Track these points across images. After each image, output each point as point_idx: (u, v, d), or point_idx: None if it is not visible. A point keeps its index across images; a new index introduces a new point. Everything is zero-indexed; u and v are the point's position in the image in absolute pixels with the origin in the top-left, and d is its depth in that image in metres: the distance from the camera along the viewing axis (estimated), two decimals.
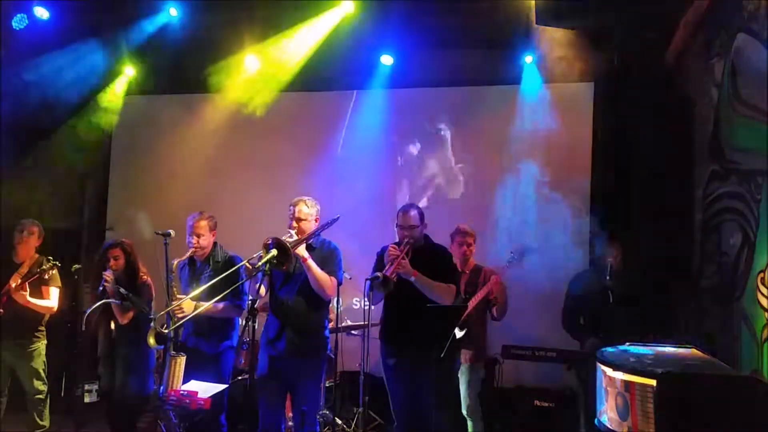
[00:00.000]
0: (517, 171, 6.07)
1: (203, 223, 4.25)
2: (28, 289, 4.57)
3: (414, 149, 6.38)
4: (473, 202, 6.17)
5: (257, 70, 6.31)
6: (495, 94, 6.21)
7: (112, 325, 4.46)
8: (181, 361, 3.81)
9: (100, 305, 4.32)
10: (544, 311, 5.19)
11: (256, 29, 6.02)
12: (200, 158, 6.60)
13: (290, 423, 4.45)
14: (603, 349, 2.93)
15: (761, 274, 3.25)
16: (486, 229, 6.04)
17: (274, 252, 3.54)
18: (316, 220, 4.00)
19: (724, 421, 2.37)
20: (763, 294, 3.22)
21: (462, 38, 5.83)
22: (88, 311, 4.36)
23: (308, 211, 3.96)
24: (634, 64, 5.56)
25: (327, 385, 5.01)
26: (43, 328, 4.79)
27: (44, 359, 4.78)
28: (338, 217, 3.93)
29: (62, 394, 5.55)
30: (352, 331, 5.31)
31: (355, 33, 5.84)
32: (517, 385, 5.24)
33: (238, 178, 6.50)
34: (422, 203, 6.03)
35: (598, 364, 2.77)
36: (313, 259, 3.83)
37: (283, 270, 3.73)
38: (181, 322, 3.91)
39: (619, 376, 2.57)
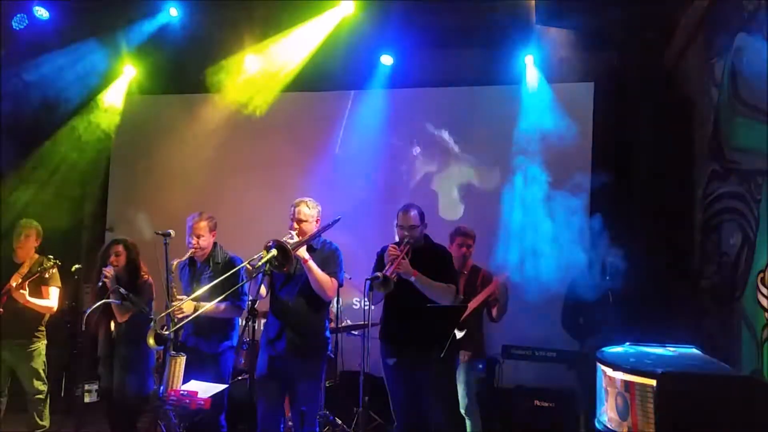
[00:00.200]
0: (516, 171, 6.07)
1: (203, 224, 4.25)
2: (27, 289, 4.57)
3: (413, 149, 6.38)
4: (473, 202, 6.17)
5: (257, 70, 6.31)
6: (495, 94, 6.21)
7: (112, 325, 4.45)
8: (181, 361, 3.81)
9: (100, 305, 4.32)
10: (544, 311, 5.18)
11: (256, 29, 6.02)
12: (200, 158, 6.61)
13: (290, 423, 4.45)
14: (603, 349, 2.93)
15: (761, 274, 3.25)
16: (486, 229, 6.04)
17: (274, 252, 3.54)
18: (317, 222, 4.00)
19: (724, 421, 2.37)
20: (763, 294, 3.22)
21: (462, 38, 5.83)
22: (88, 311, 4.36)
23: (309, 212, 3.96)
24: (634, 64, 5.56)
25: (327, 385, 5.01)
26: (43, 328, 4.79)
27: (44, 359, 4.78)
28: (339, 219, 3.93)
29: (62, 394, 5.55)
30: (352, 331, 5.31)
31: (355, 33, 5.84)
32: (517, 385, 5.23)
33: (238, 178, 6.50)
34: (422, 203, 6.02)
35: (598, 364, 2.77)
36: (313, 260, 3.83)
37: (284, 271, 3.73)
38: (181, 323, 3.91)
39: (619, 376, 2.57)
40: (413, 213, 4.01)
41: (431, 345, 3.81)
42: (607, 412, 2.67)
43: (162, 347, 4.04)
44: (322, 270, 3.85)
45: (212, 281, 3.96)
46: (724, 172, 4.02)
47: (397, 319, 3.97)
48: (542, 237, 5.48)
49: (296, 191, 4.60)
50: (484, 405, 4.85)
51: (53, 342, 4.88)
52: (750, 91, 3.54)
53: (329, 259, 3.95)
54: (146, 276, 4.52)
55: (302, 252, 3.77)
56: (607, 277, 4.45)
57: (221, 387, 3.89)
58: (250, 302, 3.69)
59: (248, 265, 3.70)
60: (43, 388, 4.75)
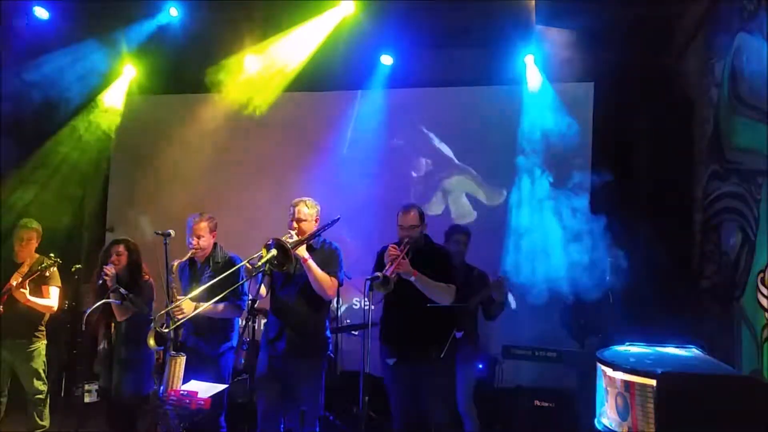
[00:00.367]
0: (516, 171, 6.07)
1: (203, 224, 4.26)
2: (28, 288, 4.57)
3: (413, 149, 6.38)
4: (473, 202, 6.17)
5: (257, 70, 6.30)
6: (495, 94, 6.21)
7: (112, 326, 4.46)
8: (181, 361, 3.81)
9: (99, 305, 4.33)
10: (544, 311, 5.18)
11: (256, 29, 6.02)
12: (200, 158, 6.61)
13: (290, 423, 4.45)
14: (603, 349, 2.93)
15: (761, 274, 3.25)
16: (486, 229, 6.04)
17: (273, 252, 3.54)
18: (316, 221, 4.00)
19: (724, 421, 2.37)
20: (763, 294, 3.22)
21: (462, 38, 5.83)
22: (88, 311, 4.37)
23: (308, 211, 3.96)
24: (634, 64, 5.56)
25: (327, 385, 5.01)
26: (43, 328, 4.79)
27: (44, 359, 4.77)
28: (338, 218, 3.93)
29: (62, 394, 5.55)
30: (352, 331, 5.31)
31: (355, 33, 5.84)
32: (517, 385, 5.23)
33: (238, 178, 6.50)
34: (421, 203, 6.03)
35: (598, 364, 2.77)
36: (313, 259, 3.83)
37: (284, 271, 3.73)
38: (180, 322, 3.91)
39: (619, 376, 2.57)
40: (413, 213, 4.01)
41: (431, 345, 3.81)
42: (607, 412, 2.67)
43: (162, 348, 4.04)
44: (323, 269, 3.85)
45: (212, 281, 3.96)
46: (724, 172, 4.02)
47: (397, 319, 3.98)
48: (542, 237, 5.48)
49: (296, 191, 4.59)
50: (484, 405, 4.85)
51: (53, 342, 4.88)
52: (750, 91, 3.54)
53: (329, 259, 3.95)
54: (147, 276, 4.52)
55: (302, 251, 3.77)
56: (607, 277, 4.45)
57: (221, 387, 3.89)
58: (250, 302, 3.69)
59: (248, 264, 3.70)
60: (43, 388, 4.75)
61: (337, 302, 4.24)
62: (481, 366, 5.21)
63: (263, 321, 4.37)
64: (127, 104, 6.69)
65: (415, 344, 3.81)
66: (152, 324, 3.97)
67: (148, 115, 6.77)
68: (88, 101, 6.49)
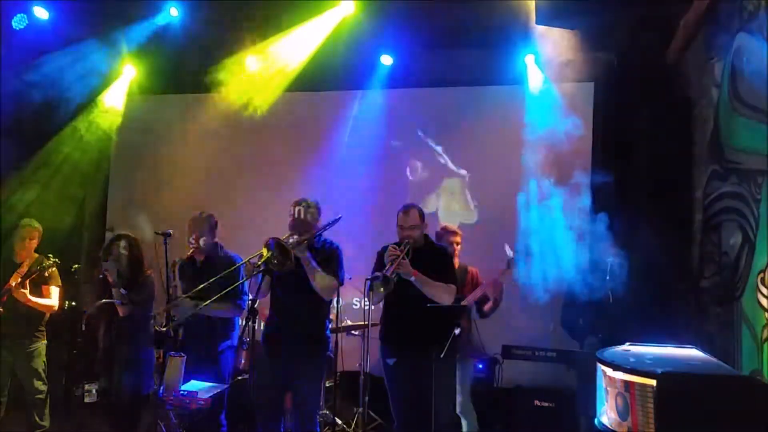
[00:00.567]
0: (517, 171, 6.06)
1: (204, 224, 4.27)
2: (28, 288, 4.57)
3: (413, 149, 6.38)
4: (473, 202, 6.17)
5: (257, 70, 6.30)
6: (495, 94, 6.21)
7: (113, 325, 4.46)
8: (181, 361, 3.81)
9: (99, 305, 4.34)
10: (545, 311, 5.18)
11: (256, 29, 6.02)
12: (200, 158, 6.61)
13: (290, 423, 4.45)
14: (603, 349, 2.93)
15: (761, 274, 3.25)
16: (486, 228, 6.04)
17: (273, 252, 3.54)
18: (316, 221, 4.00)
19: (724, 421, 2.37)
20: (763, 294, 3.22)
21: (462, 38, 5.82)
22: (88, 311, 4.37)
23: (309, 211, 3.96)
24: (634, 64, 5.56)
25: (327, 385, 5.01)
26: (43, 328, 4.79)
27: (44, 359, 4.78)
28: (339, 218, 3.93)
29: (62, 394, 5.54)
30: (352, 331, 5.31)
31: (355, 33, 5.84)
32: (517, 385, 5.23)
33: (238, 178, 6.50)
34: (421, 203, 6.03)
35: (598, 364, 2.77)
36: (314, 259, 3.83)
37: (284, 270, 3.73)
38: (180, 321, 3.92)
39: (619, 376, 2.57)
40: (413, 213, 4.02)
41: (431, 345, 3.81)
42: (607, 412, 2.67)
43: (162, 347, 4.05)
44: (323, 269, 3.85)
45: (212, 280, 3.96)
46: (724, 172, 4.02)
47: (397, 319, 3.98)
48: (542, 237, 5.48)
49: (296, 191, 4.60)
50: (484, 405, 4.85)
51: (53, 342, 4.88)
52: (750, 91, 3.54)
53: (330, 259, 3.95)
54: (149, 271, 4.52)
55: (302, 251, 3.77)
56: (607, 277, 4.45)
57: (221, 387, 3.90)
58: (250, 302, 3.69)
59: (248, 263, 3.70)
60: (43, 388, 4.75)
61: (337, 302, 4.24)
62: (480, 366, 5.21)
63: (263, 321, 4.37)
64: (128, 104, 6.69)
65: (415, 344, 3.82)
66: (152, 323, 3.98)
67: (148, 115, 6.77)
68: (88, 101, 6.49)
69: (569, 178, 5.67)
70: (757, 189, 3.41)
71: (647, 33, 5.27)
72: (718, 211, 4.12)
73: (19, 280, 4.58)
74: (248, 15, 5.88)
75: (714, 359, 2.89)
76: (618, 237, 4.64)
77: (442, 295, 3.90)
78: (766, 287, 3.19)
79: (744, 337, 3.52)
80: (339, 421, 4.99)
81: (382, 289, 3.72)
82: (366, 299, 3.93)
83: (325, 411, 4.89)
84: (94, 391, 5.11)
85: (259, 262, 3.55)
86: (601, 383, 2.74)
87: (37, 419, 4.71)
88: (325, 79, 6.35)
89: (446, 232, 4.83)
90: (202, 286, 3.92)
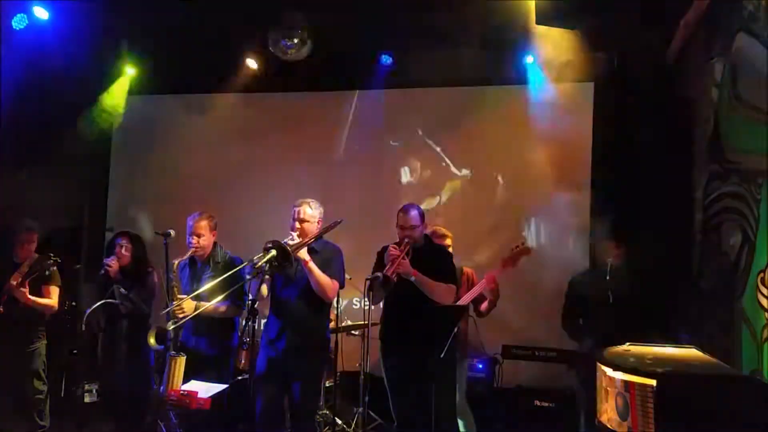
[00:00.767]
0: (517, 171, 6.07)
1: (203, 223, 4.26)
2: (28, 287, 4.58)
3: (413, 149, 6.38)
4: (473, 202, 6.17)
5: (257, 71, 6.30)
6: (495, 94, 6.22)
7: (113, 323, 4.47)
8: (181, 361, 3.81)
9: (99, 305, 4.35)
10: (544, 311, 5.19)
11: (256, 29, 6.01)
12: (200, 158, 6.62)
13: (289, 423, 4.45)
14: (603, 349, 2.93)
15: (761, 274, 3.25)
16: (486, 229, 6.04)
17: (273, 253, 3.54)
18: (319, 223, 4.00)
19: (724, 421, 2.37)
20: (763, 294, 3.22)
21: (462, 38, 5.82)
22: (88, 311, 4.38)
23: (311, 213, 3.96)
24: (634, 64, 5.56)
25: (327, 385, 5.01)
26: (43, 328, 4.79)
27: (44, 359, 4.78)
28: (341, 220, 3.92)
29: (62, 394, 5.55)
30: (352, 331, 5.31)
31: (355, 33, 5.83)
32: (517, 385, 5.24)
33: (238, 179, 6.50)
34: (422, 204, 6.03)
35: (598, 364, 2.77)
36: (315, 261, 3.82)
37: (284, 272, 3.73)
38: (181, 322, 3.92)
39: (619, 376, 2.57)
40: (413, 213, 4.02)
41: (431, 345, 3.81)
42: (607, 412, 2.67)
43: (162, 346, 4.05)
44: (323, 271, 3.85)
45: (213, 281, 3.96)
46: (724, 172, 4.01)
47: (397, 319, 3.98)
48: (542, 236, 5.49)
49: (296, 191, 4.60)
50: (484, 405, 4.85)
51: (53, 342, 4.88)
52: (750, 91, 3.54)
53: (330, 261, 3.95)
54: (151, 269, 4.52)
55: (303, 253, 3.77)
56: (607, 277, 4.45)
57: (221, 387, 3.89)
58: (250, 302, 3.69)
59: (254, 265, 3.69)
60: (43, 388, 4.75)
61: (337, 302, 4.24)
62: (480, 366, 5.21)
63: (263, 321, 4.37)
64: (127, 104, 6.69)
65: (415, 344, 3.81)
66: (151, 322, 3.99)
67: (148, 115, 6.77)
68: (88, 101, 6.48)
69: (569, 177, 5.68)
70: (757, 189, 3.40)
71: (647, 33, 5.27)
72: (718, 211, 4.12)
73: (20, 279, 4.58)
74: (248, 15, 5.87)
75: (714, 359, 2.89)
76: (617, 237, 4.65)
77: (442, 295, 3.90)
78: (766, 287, 3.19)
79: (744, 337, 3.52)
80: (339, 421, 4.99)
81: (382, 289, 3.72)
82: (366, 299, 3.93)
83: (325, 411, 4.89)
84: (94, 391, 5.12)
85: (259, 264, 3.55)
86: (601, 383, 2.74)
87: (37, 419, 4.71)
88: (325, 79, 6.35)
89: (437, 235, 4.79)
90: (204, 288, 3.92)
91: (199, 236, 4.22)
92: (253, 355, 3.98)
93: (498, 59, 5.93)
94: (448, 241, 4.78)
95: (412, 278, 3.82)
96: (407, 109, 6.39)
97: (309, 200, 4.01)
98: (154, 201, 6.52)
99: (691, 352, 2.95)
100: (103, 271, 4.36)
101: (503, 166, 6.09)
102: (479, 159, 6.21)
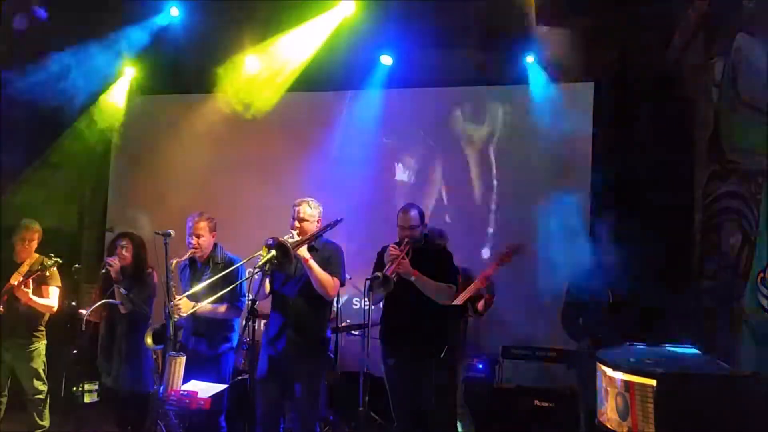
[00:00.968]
0: (517, 171, 6.06)
1: (203, 224, 4.26)
2: (31, 287, 4.58)
3: (413, 149, 6.37)
4: (473, 202, 6.17)
5: (258, 70, 6.30)
6: (495, 94, 6.21)
7: (114, 319, 4.47)
8: (181, 361, 3.81)
9: (99, 305, 4.35)
10: (544, 311, 5.18)
11: (257, 29, 6.02)
12: (200, 158, 6.61)
13: (289, 423, 4.45)
14: (603, 349, 2.93)
15: (761, 274, 3.25)
16: (486, 229, 6.04)
17: (273, 253, 3.54)
18: (318, 221, 4.00)
19: (724, 421, 2.37)
20: (763, 294, 3.22)
21: (462, 38, 5.82)
22: (88, 311, 4.38)
23: (311, 212, 3.96)
24: (634, 64, 5.56)
25: (327, 385, 5.01)
26: (43, 328, 4.79)
27: (44, 359, 4.78)
28: (341, 219, 3.92)
29: (62, 394, 5.56)
30: (352, 331, 5.31)
31: (355, 33, 5.83)
32: (517, 385, 5.23)
33: (238, 178, 6.49)
34: (422, 204, 6.03)
35: (598, 364, 2.77)
36: (315, 259, 3.82)
37: (284, 270, 3.73)
38: (178, 319, 3.92)
39: (619, 376, 2.57)
40: (413, 213, 4.02)
41: (431, 345, 3.81)
42: (607, 412, 2.67)
43: (160, 346, 4.05)
44: (324, 269, 3.84)
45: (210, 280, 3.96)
46: (724, 172, 4.02)
47: (397, 318, 3.98)
48: (542, 236, 5.48)
49: (296, 191, 4.59)
50: (484, 405, 4.85)
51: (53, 342, 4.88)
52: (750, 91, 3.54)
53: (331, 259, 3.95)
54: (151, 269, 4.53)
55: (303, 251, 3.77)
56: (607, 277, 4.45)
57: (221, 387, 3.89)
58: (249, 302, 3.69)
59: (255, 266, 3.69)
60: (43, 388, 4.75)
61: (337, 302, 4.24)
62: (480, 366, 5.21)
63: (263, 321, 4.37)
64: (128, 104, 6.69)
65: (415, 344, 3.82)
66: (150, 322, 3.99)
67: (149, 115, 6.77)
68: (89, 101, 6.48)
69: (569, 177, 5.67)
70: (757, 189, 3.41)
71: (647, 33, 5.27)
72: (718, 211, 4.12)
73: (21, 279, 4.58)
74: (248, 15, 5.88)
75: (714, 359, 2.89)
76: (617, 236, 4.64)
77: (442, 295, 3.90)
78: (766, 287, 3.19)
79: (744, 337, 3.52)
80: (339, 421, 4.98)
81: (382, 289, 3.72)
82: (366, 299, 3.93)
83: (325, 411, 4.88)
84: (94, 391, 5.12)
85: (260, 263, 3.55)
86: (601, 383, 2.74)
87: (37, 419, 4.71)
88: (325, 79, 6.35)
89: (432, 234, 4.79)
90: (200, 286, 3.92)
91: (198, 237, 4.23)
92: (253, 355, 3.97)
93: (498, 59, 5.92)
94: (443, 242, 4.78)
95: (412, 278, 3.82)
96: (407, 109, 6.38)
97: (308, 199, 4.01)
98: (154, 201, 6.52)
99: (691, 352, 2.96)
100: (104, 270, 4.36)
101: (503, 166, 6.09)
102: (479, 159, 6.20)
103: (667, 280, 4.88)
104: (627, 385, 2.52)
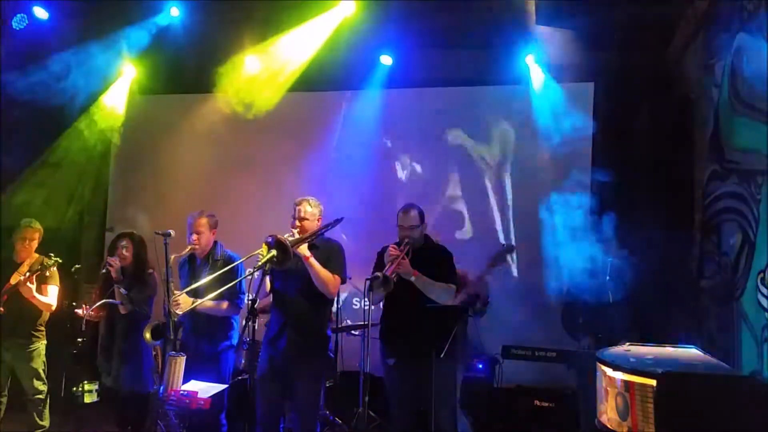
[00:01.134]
0: (516, 171, 6.07)
1: (203, 222, 4.28)
2: (34, 284, 4.58)
3: (413, 149, 6.38)
4: (472, 202, 6.17)
5: (258, 71, 6.30)
6: (495, 94, 6.21)
7: (114, 318, 4.48)
8: (181, 361, 3.81)
9: (99, 305, 4.36)
10: (544, 311, 5.19)
11: (257, 29, 6.02)
12: (200, 158, 6.61)
13: (289, 423, 4.45)
14: (603, 349, 2.93)
15: (761, 274, 3.25)
16: (485, 228, 6.04)
17: (273, 252, 3.54)
18: (318, 220, 4.00)
19: (724, 421, 2.37)
20: (763, 294, 3.22)
21: (462, 38, 5.82)
22: (87, 312, 4.39)
23: (311, 210, 3.97)
24: (634, 64, 5.56)
25: (327, 385, 5.01)
26: (42, 328, 4.79)
27: (44, 359, 4.78)
28: (342, 219, 3.92)
29: (62, 394, 5.57)
30: (352, 331, 5.31)
31: (355, 33, 5.84)
32: (517, 385, 5.24)
33: (238, 178, 6.50)
34: (421, 204, 6.02)
35: (598, 364, 2.77)
36: (316, 257, 3.82)
37: (283, 267, 3.73)
38: (177, 317, 3.93)
39: (619, 376, 2.57)
40: (413, 213, 4.02)
41: (431, 345, 3.81)
42: (607, 412, 2.67)
43: (158, 342, 4.06)
44: (325, 267, 3.84)
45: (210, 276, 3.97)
46: (724, 172, 4.02)
47: (397, 318, 3.98)
48: (542, 236, 5.48)
49: (296, 190, 4.60)
50: (484, 405, 4.84)
51: (53, 342, 4.88)
52: (750, 91, 3.54)
53: (331, 257, 3.95)
54: (151, 270, 4.53)
55: (303, 249, 3.77)
56: (607, 277, 4.45)
57: (221, 387, 3.89)
58: (250, 301, 3.69)
59: (255, 265, 3.69)
60: (43, 388, 4.75)
61: (337, 302, 4.24)
62: (480, 366, 5.21)
63: (264, 321, 4.37)
64: (128, 104, 6.69)
65: (415, 344, 3.81)
66: (151, 320, 3.99)
67: (149, 115, 6.77)
68: (89, 102, 6.48)
69: (569, 177, 5.67)
70: (757, 189, 3.41)
71: (647, 33, 5.27)
72: (718, 211, 4.12)
73: (22, 278, 4.58)
74: (248, 15, 5.88)
75: (714, 359, 2.89)
76: (618, 237, 4.64)
77: (442, 295, 3.90)
78: (766, 287, 3.19)
79: (744, 337, 3.52)
80: (339, 421, 4.98)
81: (382, 289, 3.72)
82: (366, 299, 3.93)
83: (325, 411, 4.88)
84: (94, 391, 5.12)
85: (260, 261, 3.55)
86: (601, 383, 2.74)
87: (37, 419, 4.72)
88: (325, 79, 6.35)
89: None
90: (199, 283, 3.93)
91: (198, 234, 4.25)
92: (253, 354, 3.97)
93: (498, 59, 5.92)
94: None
95: (412, 278, 3.82)
96: (407, 110, 6.38)
97: (309, 198, 4.01)
98: (154, 201, 6.52)
99: (691, 352, 2.96)
100: (104, 271, 4.36)
101: (503, 166, 6.08)
102: (479, 159, 6.20)
103: (667, 279, 4.88)
104: (627, 385, 2.52)
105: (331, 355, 4.32)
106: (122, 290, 4.29)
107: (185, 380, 3.84)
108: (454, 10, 5.48)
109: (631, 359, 2.68)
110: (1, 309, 4.58)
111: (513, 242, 5.76)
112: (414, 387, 3.87)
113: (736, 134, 3.83)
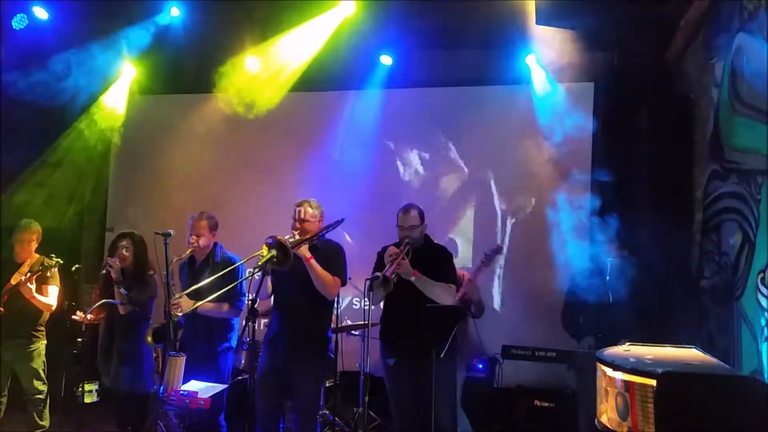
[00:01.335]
0: (516, 171, 6.06)
1: (203, 223, 4.27)
2: (34, 284, 4.58)
3: (413, 149, 6.38)
4: (472, 202, 6.17)
5: (258, 71, 6.30)
6: (495, 94, 6.21)
7: (114, 319, 4.48)
8: (181, 361, 3.82)
9: (99, 305, 4.36)
10: (544, 311, 5.19)
11: (257, 30, 6.02)
12: (201, 158, 6.61)
13: (289, 423, 4.45)
14: (603, 349, 2.93)
15: (761, 274, 3.25)
16: (485, 228, 6.04)
17: (273, 252, 3.54)
18: (319, 222, 4.00)
19: (724, 421, 2.37)
20: (763, 294, 3.22)
21: (462, 38, 5.82)
22: (87, 312, 4.39)
23: (312, 212, 3.97)
24: (634, 64, 5.56)
25: (327, 385, 5.01)
26: (42, 328, 4.79)
27: (44, 359, 4.78)
28: (342, 220, 3.92)
29: (62, 394, 5.57)
30: (352, 331, 5.31)
31: (355, 33, 5.84)
32: (517, 385, 5.23)
33: (239, 179, 6.50)
34: (421, 204, 6.02)
35: (598, 364, 2.77)
36: (316, 259, 3.82)
37: (283, 269, 3.73)
38: (177, 318, 3.93)
39: (619, 376, 2.57)
40: (413, 213, 4.02)
41: (431, 345, 3.81)
42: (607, 412, 2.67)
43: (160, 344, 4.06)
44: (325, 268, 3.84)
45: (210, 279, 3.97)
46: (724, 172, 4.01)
47: (397, 318, 3.98)
48: (542, 236, 5.48)
49: (296, 191, 4.61)
50: (484, 405, 4.84)
51: (53, 342, 4.88)
52: (750, 91, 3.54)
53: (332, 258, 3.95)
54: (152, 271, 4.53)
55: (304, 250, 3.77)
56: (607, 277, 4.45)
57: (221, 387, 3.90)
58: (249, 302, 3.69)
59: (255, 266, 3.69)
60: (43, 388, 4.75)
61: (338, 302, 4.24)
62: (480, 366, 5.21)
63: (264, 321, 4.38)
64: (128, 104, 6.69)
65: (415, 344, 3.81)
66: (150, 323, 3.99)
67: (149, 115, 6.77)
68: (89, 102, 6.49)
69: (569, 177, 5.67)
70: (757, 189, 3.40)
71: (647, 33, 5.27)
72: (718, 211, 4.12)
73: (22, 278, 4.58)
74: (248, 15, 5.88)
75: (714, 359, 2.89)
76: (618, 237, 4.64)
77: (442, 295, 3.90)
78: (766, 287, 3.19)
79: (744, 337, 3.52)
80: (339, 421, 4.98)
81: (382, 289, 3.72)
82: (366, 299, 3.93)
83: (325, 411, 4.89)
84: (94, 391, 5.12)
85: (260, 263, 3.55)
86: (601, 383, 2.74)
87: (37, 419, 4.72)
88: (325, 79, 6.35)
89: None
90: (199, 284, 3.93)
91: (198, 235, 4.25)
92: (253, 355, 3.98)
93: (498, 59, 5.92)
94: None
95: (412, 278, 3.82)
96: (407, 110, 6.38)
97: (310, 200, 4.01)
98: (154, 201, 6.52)
99: (691, 352, 2.95)
100: (104, 271, 4.36)
101: (503, 166, 6.08)
102: (479, 159, 6.21)
103: (667, 279, 4.88)
104: (627, 385, 2.52)
105: (331, 355, 4.32)
106: (122, 290, 4.29)
107: (185, 380, 3.84)
108: (454, 10, 5.48)
109: (631, 359, 2.68)
110: (1, 309, 4.58)
111: (507, 244, 5.74)
112: (414, 387, 3.87)
113: (736, 134, 3.83)
